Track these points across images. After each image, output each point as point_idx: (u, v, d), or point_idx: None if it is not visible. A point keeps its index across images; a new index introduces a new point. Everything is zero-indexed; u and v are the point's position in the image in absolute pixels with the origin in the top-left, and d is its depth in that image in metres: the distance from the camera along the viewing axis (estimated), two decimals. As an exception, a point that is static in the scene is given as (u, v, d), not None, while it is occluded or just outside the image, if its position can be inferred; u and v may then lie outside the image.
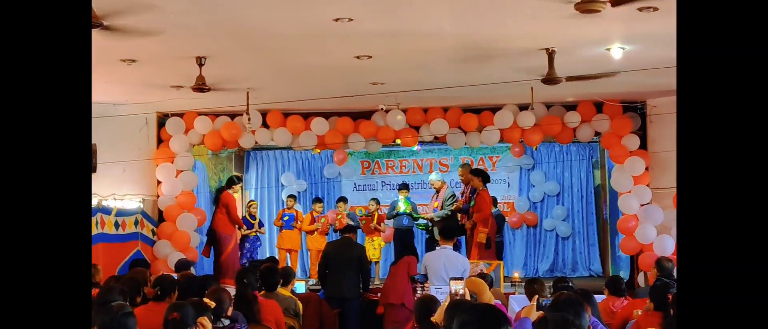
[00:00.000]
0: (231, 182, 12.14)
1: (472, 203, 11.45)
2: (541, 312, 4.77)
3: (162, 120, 11.65)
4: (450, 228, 9.34)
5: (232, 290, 6.61)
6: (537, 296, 5.23)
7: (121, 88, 9.54)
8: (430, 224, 12.41)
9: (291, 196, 13.63)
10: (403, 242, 11.63)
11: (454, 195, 12.36)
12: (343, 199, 13.64)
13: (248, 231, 12.77)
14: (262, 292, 7.31)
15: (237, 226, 11.98)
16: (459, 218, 12.12)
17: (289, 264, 12.44)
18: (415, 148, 13.60)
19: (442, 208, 12.24)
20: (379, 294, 9.65)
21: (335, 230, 13.11)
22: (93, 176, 9.70)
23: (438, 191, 12.63)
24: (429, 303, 5.42)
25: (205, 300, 5.88)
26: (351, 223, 12.05)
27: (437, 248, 9.08)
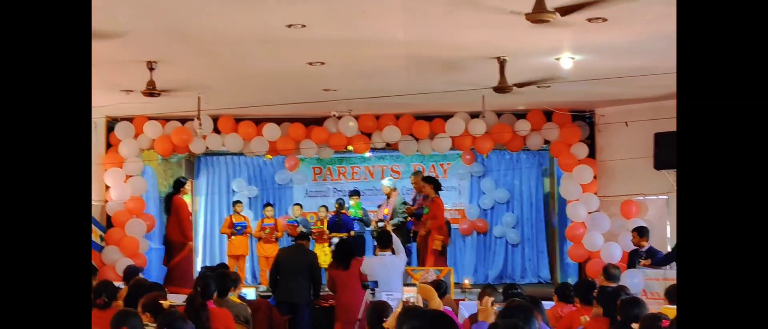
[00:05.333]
0: (179, 184, 12.00)
1: (426, 210, 11.50)
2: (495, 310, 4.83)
3: (111, 124, 11.50)
4: (387, 237, 9.32)
5: (180, 298, 6.55)
6: (487, 297, 5.28)
7: (70, 91, 9.38)
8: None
9: (238, 202, 13.54)
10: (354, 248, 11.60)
11: (405, 203, 12.42)
12: (299, 206, 13.70)
13: None
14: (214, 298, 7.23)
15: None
16: (412, 224, 12.18)
17: (237, 271, 12.34)
18: (367, 154, 13.62)
19: (392, 216, 12.29)
20: (331, 302, 9.60)
21: (290, 235, 13.09)
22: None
23: (388, 197, 12.69)
24: (381, 309, 5.45)
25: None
26: (303, 230, 12.03)
27: (377, 255, 9.16)
